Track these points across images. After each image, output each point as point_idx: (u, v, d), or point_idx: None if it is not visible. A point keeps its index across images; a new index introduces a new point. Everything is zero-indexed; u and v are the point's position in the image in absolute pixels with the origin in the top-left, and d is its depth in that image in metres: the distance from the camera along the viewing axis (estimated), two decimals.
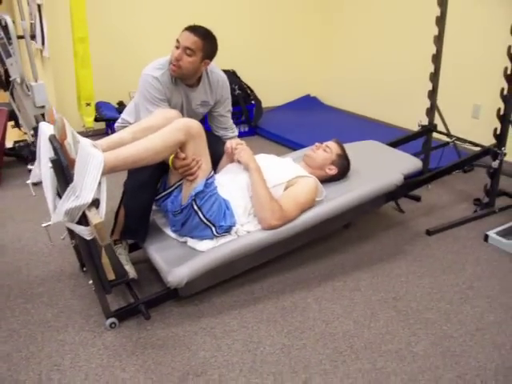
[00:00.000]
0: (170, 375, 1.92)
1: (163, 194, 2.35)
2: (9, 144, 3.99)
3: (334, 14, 5.44)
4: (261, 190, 2.33)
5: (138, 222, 2.44)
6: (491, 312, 2.31)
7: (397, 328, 2.20)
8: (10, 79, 3.68)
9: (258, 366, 1.97)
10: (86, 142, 1.98)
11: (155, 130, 2.18)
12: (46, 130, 2.02)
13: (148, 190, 2.41)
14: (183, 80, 2.62)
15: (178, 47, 2.50)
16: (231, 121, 2.93)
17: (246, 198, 2.37)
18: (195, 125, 2.21)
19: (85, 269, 2.55)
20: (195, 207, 2.25)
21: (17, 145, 4.00)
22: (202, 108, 2.78)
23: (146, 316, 2.17)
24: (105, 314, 2.15)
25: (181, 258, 2.23)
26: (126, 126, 2.56)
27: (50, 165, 1.85)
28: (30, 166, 3.73)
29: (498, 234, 2.91)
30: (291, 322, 2.23)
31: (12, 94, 3.83)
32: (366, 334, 2.16)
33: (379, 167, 2.89)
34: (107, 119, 4.31)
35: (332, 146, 2.70)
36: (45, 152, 2.01)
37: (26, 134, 4.01)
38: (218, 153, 2.59)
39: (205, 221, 2.26)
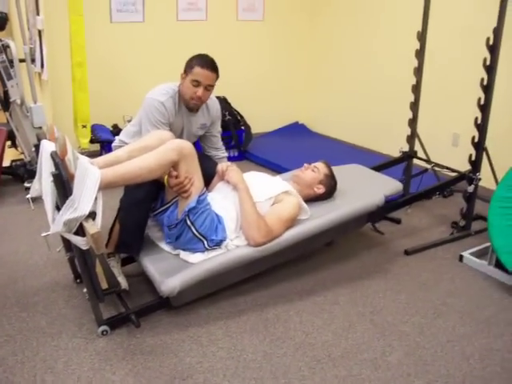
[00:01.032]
0: (158, 379, 2.04)
1: (161, 209, 2.49)
2: (6, 163, 4.11)
3: (322, 48, 5.68)
4: (248, 209, 2.47)
5: (133, 237, 2.58)
6: (462, 326, 2.45)
7: (373, 339, 2.33)
8: (10, 100, 3.85)
9: (241, 371, 2.10)
10: (84, 159, 2.14)
11: (150, 149, 2.34)
12: (47, 146, 2.18)
13: (143, 207, 2.55)
14: (192, 107, 2.81)
15: (196, 86, 2.69)
16: (221, 142, 3.12)
17: (238, 212, 2.52)
18: (187, 145, 2.38)
19: (78, 281, 2.67)
20: (188, 222, 2.39)
21: (14, 164, 4.13)
22: (201, 130, 2.98)
23: (136, 324, 2.30)
24: (97, 322, 2.27)
25: (173, 270, 2.37)
26: (122, 146, 2.72)
27: (52, 179, 2.00)
28: (26, 184, 3.86)
29: (472, 254, 3.07)
30: (273, 332, 2.36)
31: (10, 115, 3.99)
32: (344, 344, 2.29)
33: (362, 189, 3.05)
34: (102, 141, 4.47)
35: (320, 166, 2.87)
36: (46, 167, 2.16)
37: (22, 153, 4.15)
38: (210, 172, 2.75)
39: (197, 235, 2.41)
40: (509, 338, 2.36)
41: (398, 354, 2.24)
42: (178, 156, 2.33)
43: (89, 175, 2.05)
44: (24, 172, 4.00)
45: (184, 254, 2.48)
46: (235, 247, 2.49)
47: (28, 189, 3.68)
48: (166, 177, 2.38)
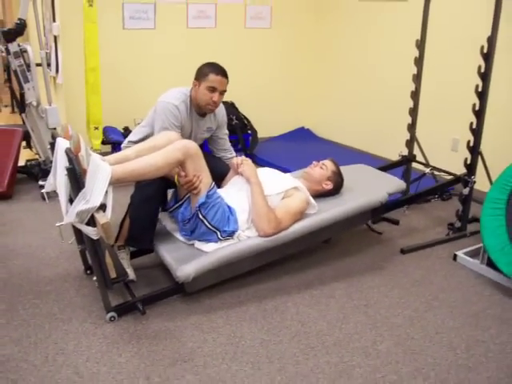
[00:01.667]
0: (161, 361, 2.19)
1: (175, 206, 2.67)
2: (21, 162, 4.29)
3: (327, 56, 5.84)
4: (260, 202, 2.64)
5: (142, 232, 2.75)
6: (451, 319, 2.58)
7: (365, 330, 2.47)
8: (26, 102, 4.03)
9: (239, 356, 2.24)
10: (96, 156, 2.30)
11: (158, 149, 2.51)
12: (62, 144, 2.35)
13: (153, 203, 2.73)
14: (207, 112, 3.00)
15: (212, 91, 2.87)
16: (229, 143, 3.29)
17: (250, 205, 2.68)
18: (193, 145, 2.55)
19: (88, 272, 2.83)
20: (200, 216, 2.56)
21: (28, 163, 4.31)
22: (207, 133, 3.16)
23: (141, 312, 2.45)
24: (105, 309, 2.43)
25: (188, 258, 2.55)
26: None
27: (66, 173, 2.16)
28: (40, 182, 4.02)
29: (465, 254, 3.18)
30: (271, 321, 2.50)
31: (26, 116, 4.17)
32: (337, 334, 2.42)
33: (367, 186, 3.22)
34: (113, 142, 4.63)
35: (328, 164, 3.03)
36: (61, 163, 2.32)
37: (37, 154, 4.33)
38: (220, 170, 2.95)
39: (210, 227, 2.58)
40: (495, 331, 2.48)
41: (387, 344, 2.37)
42: (184, 155, 2.48)
43: (100, 170, 2.22)
44: (38, 171, 4.18)
45: (199, 244, 2.65)
46: (247, 238, 2.65)
47: (42, 187, 3.86)
48: (176, 176, 2.54)
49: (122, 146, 3.18)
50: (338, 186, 3.05)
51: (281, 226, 2.66)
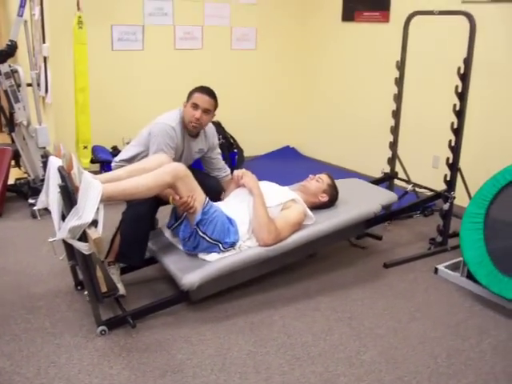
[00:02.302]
0: (151, 372, 2.25)
1: (175, 224, 2.76)
2: (10, 181, 4.34)
3: (311, 76, 5.99)
4: (261, 212, 2.75)
5: (132, 249, 2.82)
6: (433, 329, 2.66)
7: (349, 340, 2.54)
8: (17, 122, 4.09)
9: (227, 367, 2.31)
10: (88, 174, 2.38)
11: (148, 171, 2.61)
12: (54, 162, 2.42)
13: (143, 222, 2.81)
14: (194, 133, 3.09)
15: (195, 108, 2.96)
16: (222, 161, 3.38)
17: (251, 216, 2.78)
18: (181, 167, 2.65)
19: (79, 288, 2.88)
20: (200, 233, 2.66)
21: (18, 182, 4.36)
22: (198, 154, 3.25)
23: (132, 325, 2.51)
24: (96, 322, 2.48)
25: (192, 267, 2.65)
26: (122, 166, 2.95)
27: (59, 190, 2.23)
28: (30, 201, 4.07)
29: (446, 267, 3.29)
30: (258, 334, 2.57)
31: (16, 136, 4.23)
32: (322, 345, 2.50)
33: (361, 198, 3.36)
34: (102, 161, 4.70)
35: (324, 177, 3.16)
36: (53, 180, 2.40)
37: (26, 172, 4.38)
38: (211, 186, 3.05)
39: (212, 241, 2.68)
40: (475, 341, 2.57)
41: (371, 354, 2.44)
42: (173, 178, 2.58)
43: (92, 188, 2.30)
44: (28, 189, 4.22)
45: (202, 254, 2.73)
46: (247, 248, 2.75)
47: (32, 205, 3.92)
48: (170, 198, 2.64)
49: (113, 164, 3.24)
50: (333, 198, 3.17)
51: (280, 236, 2.77)
